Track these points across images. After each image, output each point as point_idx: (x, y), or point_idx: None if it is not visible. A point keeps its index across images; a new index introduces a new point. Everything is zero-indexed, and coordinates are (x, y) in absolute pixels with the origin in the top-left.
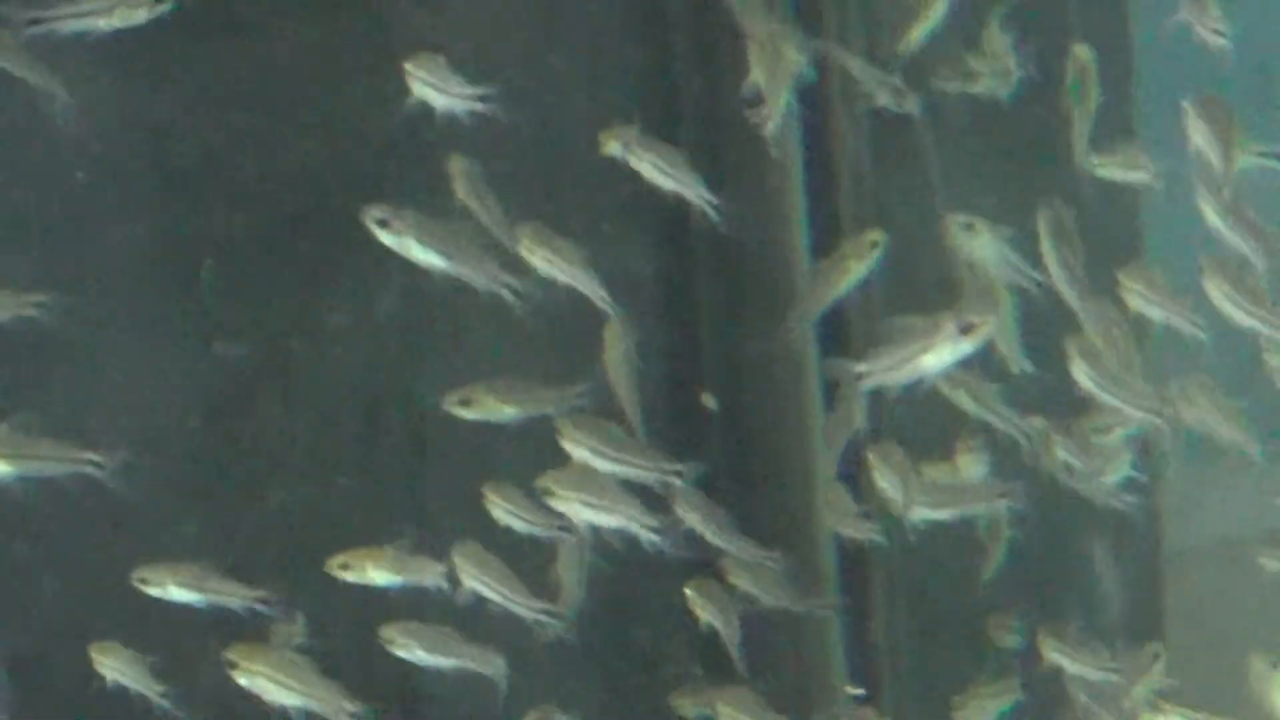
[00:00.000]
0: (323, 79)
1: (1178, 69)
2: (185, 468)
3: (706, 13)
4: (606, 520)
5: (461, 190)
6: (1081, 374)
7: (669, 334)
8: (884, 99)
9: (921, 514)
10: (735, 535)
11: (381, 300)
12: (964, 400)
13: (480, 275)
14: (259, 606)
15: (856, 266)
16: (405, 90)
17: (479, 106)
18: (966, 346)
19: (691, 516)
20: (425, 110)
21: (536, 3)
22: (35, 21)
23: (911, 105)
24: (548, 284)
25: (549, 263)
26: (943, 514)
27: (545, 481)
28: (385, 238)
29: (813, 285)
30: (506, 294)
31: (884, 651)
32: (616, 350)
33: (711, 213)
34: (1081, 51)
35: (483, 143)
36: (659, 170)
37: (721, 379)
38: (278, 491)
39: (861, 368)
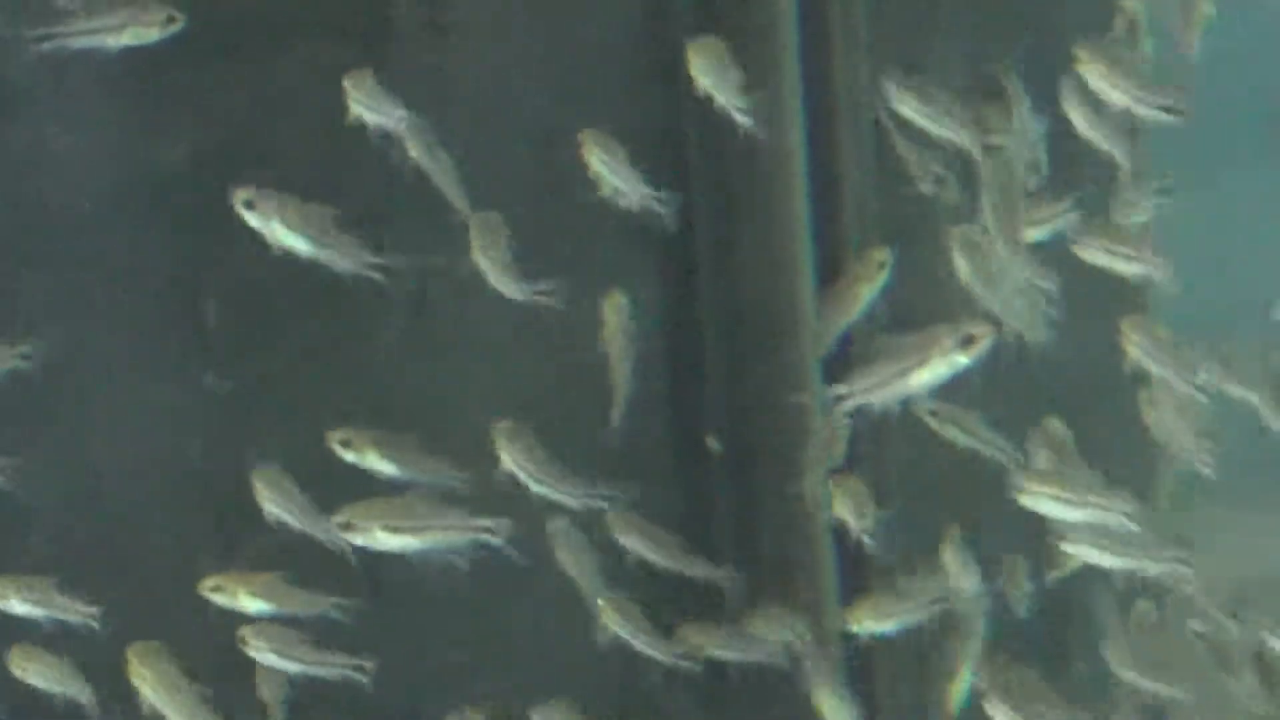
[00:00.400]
0: (327, 108)
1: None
2: (188, 498)
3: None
4: (417, 544)
5: (414, 149)
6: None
7: (672, 362)
8: (925, 186)
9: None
10: (681, 555)
11: (386, 331)
12: (950, 430)
13: (344, 258)
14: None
15: (866, 289)
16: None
17: (407, 127)
18: (963, 360)
19: (631, 540)
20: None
21: (540, 32)
22: (46, 38)
23: (951, 193)
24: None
25: (482, 251)
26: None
27: (344, 515)
28: (251, 220)
29: (824, 311)
30: (374, 275)
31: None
32: (614, 324)
33: (661, 209)
34: (1129, 3)
35: (485, 175)
36: (606, 168)
37: (725, 409)
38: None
39: (841, 389)
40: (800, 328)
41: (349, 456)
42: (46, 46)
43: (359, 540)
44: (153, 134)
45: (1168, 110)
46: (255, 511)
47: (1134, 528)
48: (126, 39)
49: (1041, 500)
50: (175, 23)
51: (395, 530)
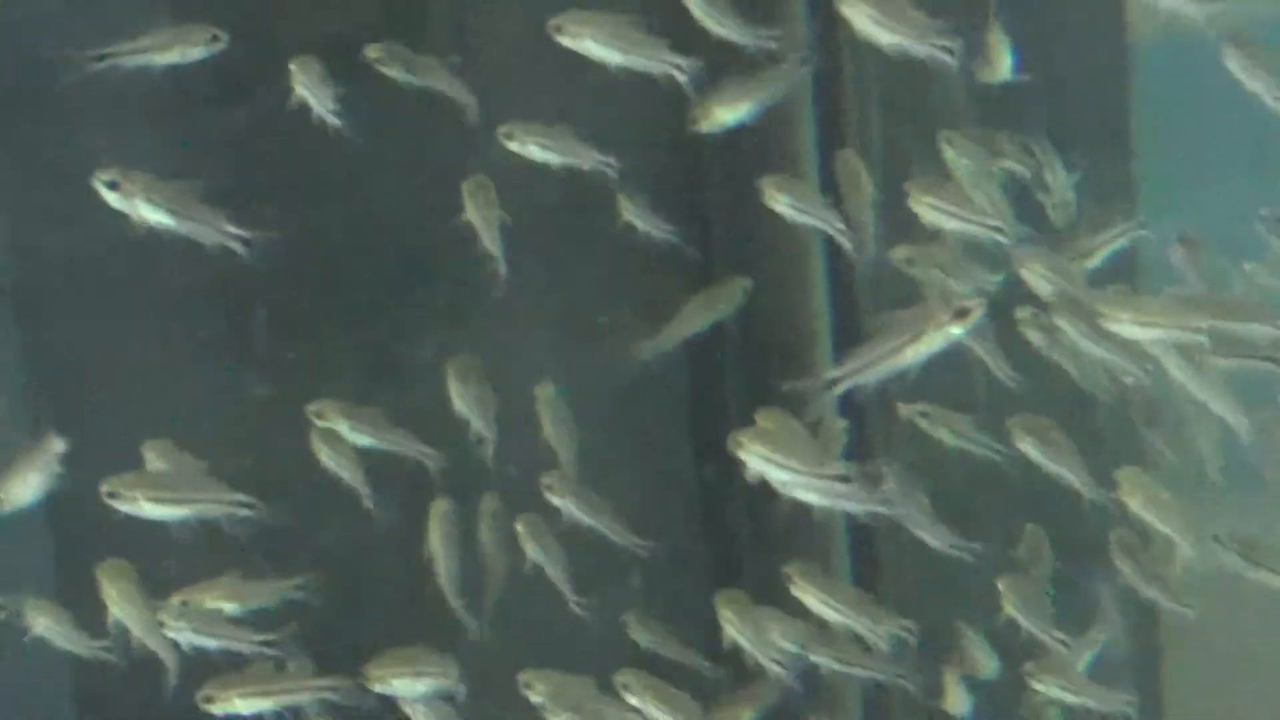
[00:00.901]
0: (370, 137)
1: (1179, 133)
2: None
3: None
4: (179, 514)
5: (393, 73)
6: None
7: (691, 365)
8: None
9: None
10: (611, 521)
11: (429, 342)
12: (940, 432)
13: (207, 231)
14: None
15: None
16: (444, 148)
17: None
18: (957, 331)
19: (565, 503)
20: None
21: (561, 66)
22: (101, 57)
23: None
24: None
25: (473, 209)
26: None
27: (110, 485)
28: (114, 200)
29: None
30: (235, 246)
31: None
32: (723, 298)
33: (610, 173)
34: None
35: (517, 205)
36: (544, 149)
37: (743, 405)
38: (328, 521)
39: (835, 373)
40: (813, 324)
41: (321, 425)
42: (101, 65)
43: (124, 508)
44: (199, 149)
45: (945, 50)
46: (302, 518)
47: (841, 486)
48: (173, 58)
49: (754, 458)
50: (219, 42)
51: (159, 501)
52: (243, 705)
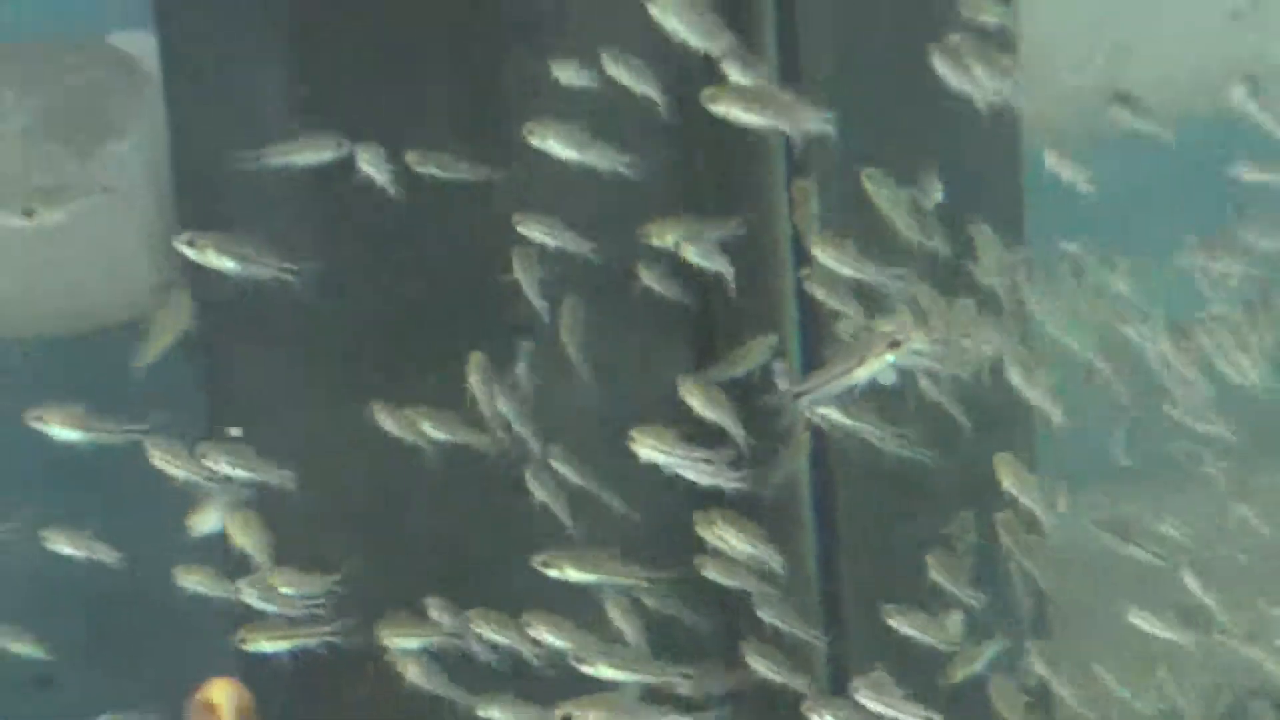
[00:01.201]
0: (452, 199)
1: (1055, 209)
2: (349, 504)
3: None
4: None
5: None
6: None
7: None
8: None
9: None
10: (598, 489)
11: (507, 372)
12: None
13: (263, 269)
14: None
15: (812, 205)
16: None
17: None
18: (892, 359)
19: (569, 471)
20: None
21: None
22: (254, 159)
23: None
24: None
25: (520, 270)
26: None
27: None
28: (192, 254)
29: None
30: (288, 278)
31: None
32: (749, 353)
33: (597, 257)
34: None
35: (553, 259)
36: (543, 235)
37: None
38: (420, 520)
39: (799, 388)
40: (785, 352)
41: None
42: (252, 165)
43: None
44: (327, 224)
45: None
46: (402, 518)
47: (707, 465)
48: (308, 159)
49: (646, 450)
50: (342, 148)
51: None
52: (268, 646)
